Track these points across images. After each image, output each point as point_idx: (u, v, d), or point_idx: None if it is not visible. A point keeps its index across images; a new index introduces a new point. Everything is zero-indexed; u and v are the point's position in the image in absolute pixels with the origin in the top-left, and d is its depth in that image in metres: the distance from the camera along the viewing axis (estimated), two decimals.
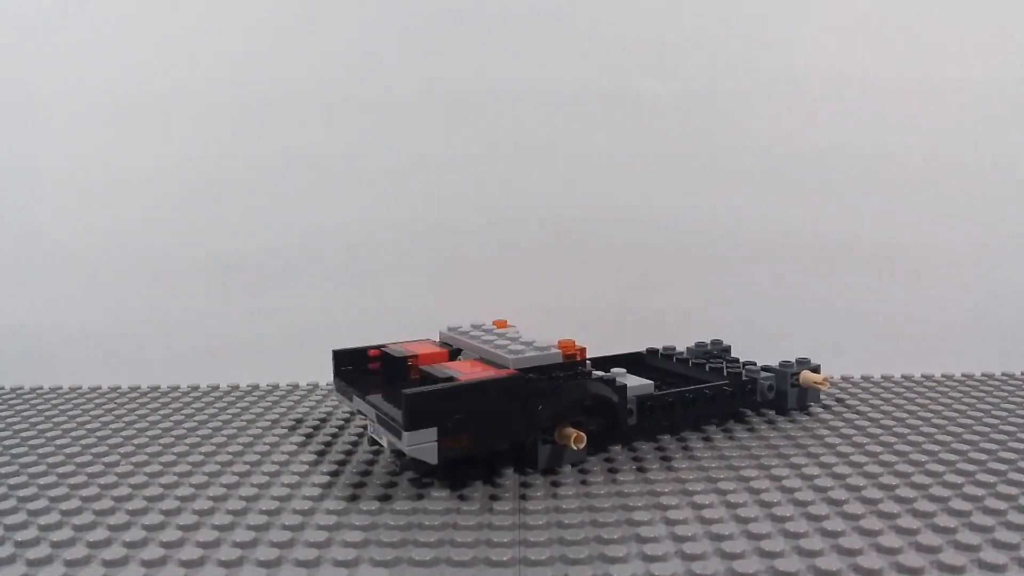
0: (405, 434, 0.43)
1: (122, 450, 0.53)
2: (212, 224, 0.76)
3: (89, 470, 0.50)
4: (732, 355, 0.67)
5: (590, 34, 0.74)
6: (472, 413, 0.44)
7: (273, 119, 0.75)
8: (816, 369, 0.60)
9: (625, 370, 0.56)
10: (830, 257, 0.75)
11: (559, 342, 0.50)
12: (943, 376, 0.69)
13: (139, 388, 0.70)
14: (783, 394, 0.59)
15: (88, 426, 0.59)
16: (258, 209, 0.75)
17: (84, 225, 0.76)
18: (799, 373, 0.59)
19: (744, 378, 0.58)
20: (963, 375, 0.69)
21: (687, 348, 0.67)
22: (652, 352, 0.66)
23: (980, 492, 0.44)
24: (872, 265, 0.75)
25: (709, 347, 0.67)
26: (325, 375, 0.70)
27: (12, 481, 0.48)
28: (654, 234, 0.77)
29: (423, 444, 0.43)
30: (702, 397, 0.55)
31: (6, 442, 0.56)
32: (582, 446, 0.47)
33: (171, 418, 0.61)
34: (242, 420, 0.60)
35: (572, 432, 0.47)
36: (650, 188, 0.76)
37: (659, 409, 0.53)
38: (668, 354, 0.65)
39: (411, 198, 0.76)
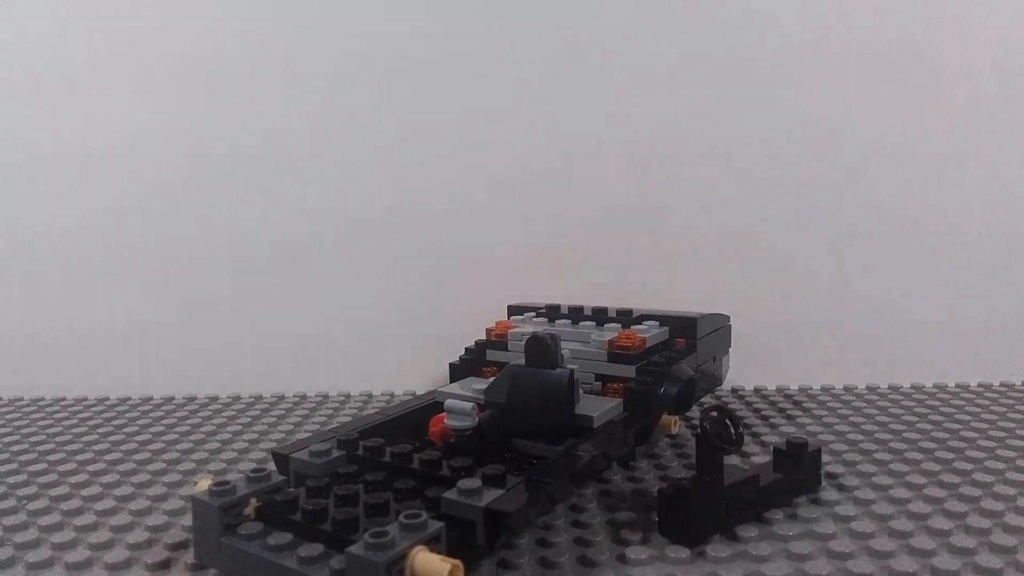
0: None
1: (121, 468, 0.53)
2: (214, 226, 0.73)
3: (72, 479, 0.50)
4: None
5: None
6: None
7: (279, 108, 0.72)
8: None
9: None
10: (825, 258, 0.73)
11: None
12: (935, 387, 0.69)
13: (128, 399, 0.70)
14: None
15: (85, 438, 0.59)
16: (260, 210, 0.73)
17: (84, 230, 0.74)
18: None
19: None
20: (957, 385, 0.69)
21: None
22: None
23: (977, 492, 0.44)
24: (867, 269, 0.73)
25: None
26: (333, 385, 0.71)
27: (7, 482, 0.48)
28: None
29: None
30: None
31: None
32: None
33: (175, 428, 0.61)
34: (253, 431, 0.60)
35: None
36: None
37: None
38: None
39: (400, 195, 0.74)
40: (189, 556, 0.38)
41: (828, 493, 0.45)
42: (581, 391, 0.46)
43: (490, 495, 0.34)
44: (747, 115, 0.71)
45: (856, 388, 0.69)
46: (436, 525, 0.32)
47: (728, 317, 0.62)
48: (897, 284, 0.71)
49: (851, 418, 0.60)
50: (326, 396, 0.70)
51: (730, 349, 0.63)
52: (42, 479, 0.50)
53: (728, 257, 0.72)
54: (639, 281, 0.71)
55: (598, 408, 0.45)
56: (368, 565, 0.29)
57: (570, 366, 0.45)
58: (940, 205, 0.71)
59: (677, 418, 0.49)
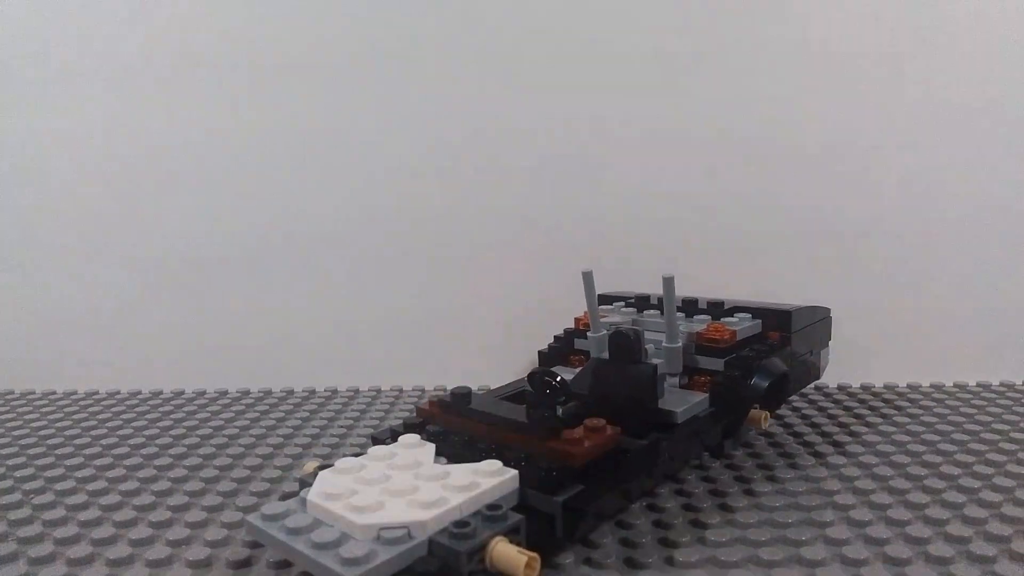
0: None
1: (128, 463, 0.53)
2: (218, 224, 0.74)
3: (78, 474, 0.51)
4: None
5: None
6: None
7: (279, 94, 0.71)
8: None
9: None
10: (821, 258, 0.72)
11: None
12: (931, 387, 0.67)
13: (139, 393, 0.71)
14: None
15: (94, 431, 0.60)
16: (274, 199, 0.73)
17: (89, 224, 0.75)
18: None
19: None
20: (955, 385, 0.68)
21: None
22: None
23: (976, 484, 0.44)
24: (864, 269, 0.73)
25: None
26: (343, 381, 0.71)
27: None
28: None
29: None
30: None
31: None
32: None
33: (184, 423, 0.61)
34: (260, 426, 0.60)
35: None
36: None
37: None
38: None
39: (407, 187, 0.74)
40: (189, 553, 0.39)
41: (829, 484, 0.45)
42: (666, 385, 0.46)
43: (570, 490, 0.36)
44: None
45: (850, 387, 0.68)
46: (516, 517, 0.34)
47: (828, 310, 0.59)
48: (896, 281, 0.70)
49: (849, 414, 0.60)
50: (335, 391, 0.71)
51: (830, 343, 0.60)
52: (48, 473, 0.50)
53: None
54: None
55: (682, 403, 0.44)
56: (450, 552, 0.31)
57: (655, 360, 0.46)
58: (940, 201, 0.70)
59: (767, 413, 0.48)
